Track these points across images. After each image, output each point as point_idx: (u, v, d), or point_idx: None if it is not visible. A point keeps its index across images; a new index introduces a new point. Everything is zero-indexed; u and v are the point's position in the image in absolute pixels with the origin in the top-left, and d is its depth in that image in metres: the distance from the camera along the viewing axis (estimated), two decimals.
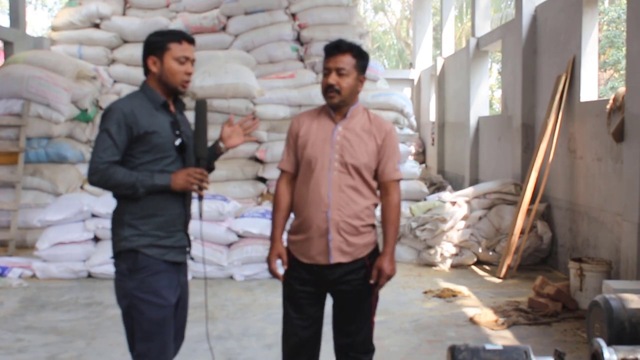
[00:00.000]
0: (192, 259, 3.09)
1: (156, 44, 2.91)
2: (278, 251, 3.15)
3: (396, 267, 3.10)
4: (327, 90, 3.04)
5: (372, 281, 3.05)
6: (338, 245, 3.02)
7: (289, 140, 3.18)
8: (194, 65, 2.98)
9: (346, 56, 3.04)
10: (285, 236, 3.21)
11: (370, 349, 3.21)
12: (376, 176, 3.11)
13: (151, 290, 2.83)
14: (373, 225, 3.14)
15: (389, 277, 3.05)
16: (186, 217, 3.00)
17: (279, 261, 3.16)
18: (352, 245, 3.04)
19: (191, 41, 2.95)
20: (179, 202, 2.94)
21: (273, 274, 3.15)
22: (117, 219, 2.92)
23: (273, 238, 3.18)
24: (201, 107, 2.96)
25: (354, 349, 3.16)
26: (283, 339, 3.21)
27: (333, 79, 3.02)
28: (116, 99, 2.94)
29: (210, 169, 3.13)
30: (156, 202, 2.87)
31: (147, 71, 2.96)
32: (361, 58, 3.09)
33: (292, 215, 3.21)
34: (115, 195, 2.92)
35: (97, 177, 2.81)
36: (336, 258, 3.03)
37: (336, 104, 3.06)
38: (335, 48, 3.05)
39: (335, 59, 3.04)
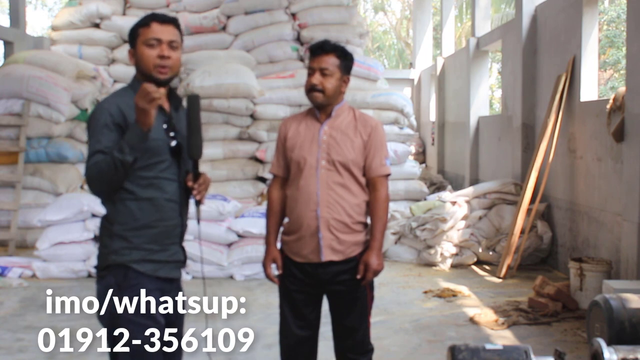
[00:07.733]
0: (187, 273, 2.75)
1: (129, 35, 2.65)
2: (273, 256, 3.18)
3: (384, 264, 3.11)
4: (311, 90, 3.06)
5: (358, 276, 3.06)
6: (329, 243, 3.04)
7: (278, 144, 3.21)
8: (177, 49, 2.63)
9: (330, 56, 3.06)
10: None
11: (368, 349, 3.21)
12: (364, 172, 3.12)
13: (140, 310, 2.56)
14: (365, 225, 3.14)
15: (375, 272, 3.06)
16: (182, 228, 2.73)
17: (274, 265, 3.18)
18: (343, 243, 3.06)
19: (166, 22, 2.62)
20: (175, 212, 2.67)
21: (269, 278, 3.18)
22: (107, 228, 2.63)
23: (267, 242, 3.21)
24: (194, 103, 2.67)
25: (352, 350, 3.18)
26: (280, 339, 3.23)
27: (316, 79, 3.05)
28: (102, 99, 2.65)
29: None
30: (150, 213, 2.60)
31: None
32: (345, 58, 3.11)
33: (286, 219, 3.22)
34: (104, 202, 2.65)
35: (94, 183, 2.55)
36: (327, 256, 3.05)
37: (320, 104, 3.08)
38: (320, 48, 3.07)
39: (319, 59, 3.06)
